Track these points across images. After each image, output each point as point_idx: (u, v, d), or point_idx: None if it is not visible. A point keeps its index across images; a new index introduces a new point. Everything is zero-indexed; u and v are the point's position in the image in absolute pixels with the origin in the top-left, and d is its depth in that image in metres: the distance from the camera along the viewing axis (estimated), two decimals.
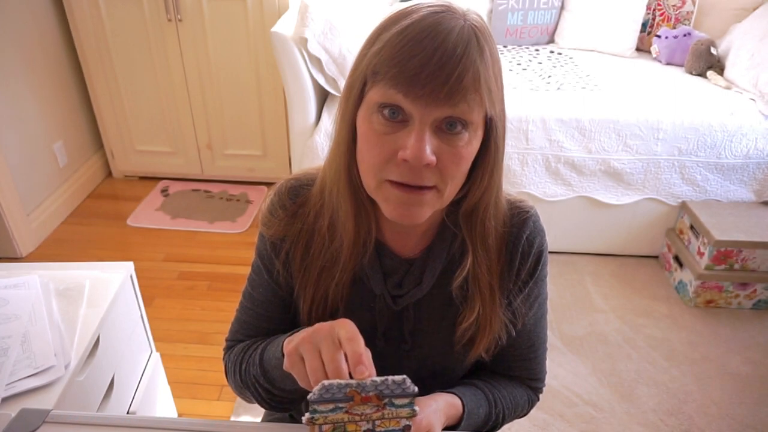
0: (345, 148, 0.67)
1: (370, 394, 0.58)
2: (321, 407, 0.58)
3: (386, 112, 0.60)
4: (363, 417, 0.59)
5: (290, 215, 0.76)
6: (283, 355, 0.65)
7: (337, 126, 0.68)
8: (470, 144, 0.62)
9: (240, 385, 0.80)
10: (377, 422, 0.60)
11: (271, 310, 0.81)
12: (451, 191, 0.65)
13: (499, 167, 0.68)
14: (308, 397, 0.57)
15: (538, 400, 0.89)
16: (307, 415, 0.58)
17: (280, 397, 0.75)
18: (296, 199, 0.76)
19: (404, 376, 0.58)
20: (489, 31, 0.62)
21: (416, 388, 0.59)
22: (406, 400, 0.59)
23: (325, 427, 0.59)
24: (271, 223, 0.77)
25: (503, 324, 0.76)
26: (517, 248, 0.75)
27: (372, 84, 0.61)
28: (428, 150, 0.59)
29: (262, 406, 0.80)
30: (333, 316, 0.75)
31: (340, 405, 0.58)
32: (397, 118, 0.60)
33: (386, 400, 0.59)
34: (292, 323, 0.81)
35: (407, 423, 0.61)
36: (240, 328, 0.84)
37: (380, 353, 0.78)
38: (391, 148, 0.61)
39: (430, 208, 0.65)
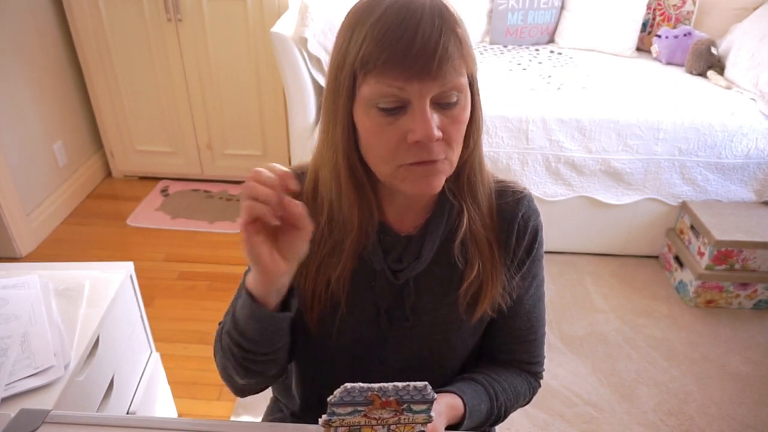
0: (344, 146, 0.68)
1: (391, 398, 0.58)
2: (339, 410, 0.58)
3: (384, 106, 0.63)
4: (379, 421, 0.59)
5: None
6: (247, 291, 0.67)
7: (329, 127, 0.69)
8: (465, 108, 0.66)
9: (222, 359, 0.78)
10: (392, 427, 0.60)
11: None
12: (457, 156, 0.68)
13: (480, 126, 0.71)
14: (328, 399, 0.57)
15: (540, 386, 0.89)
16: (324, 417, 0.58)
17: (254, 356, 0.72)
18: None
19: (425, 383, 0.58)
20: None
21: (435, 395, 0.59)
22: (423, 407, 0.59)
23: (340, 430, 0.59)
24: None
25: (503, 294, 0.78)
26: (513, 226, 0.78)
27: (363, 77, 0.62)
28: (435, 126, 0.62)
29: (240, 377, 0.76)
30: (334, 305, 0.76)
31: (359, 408, 0.58)
32: (396, 112, 0.63)
33: (405, 406, 0.59)
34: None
35: (422, 429, 0.61)
36: None
37: (383, 333, 0.79)
38: (398, 134, 0.63)
39: (444, 176, 0.68)
